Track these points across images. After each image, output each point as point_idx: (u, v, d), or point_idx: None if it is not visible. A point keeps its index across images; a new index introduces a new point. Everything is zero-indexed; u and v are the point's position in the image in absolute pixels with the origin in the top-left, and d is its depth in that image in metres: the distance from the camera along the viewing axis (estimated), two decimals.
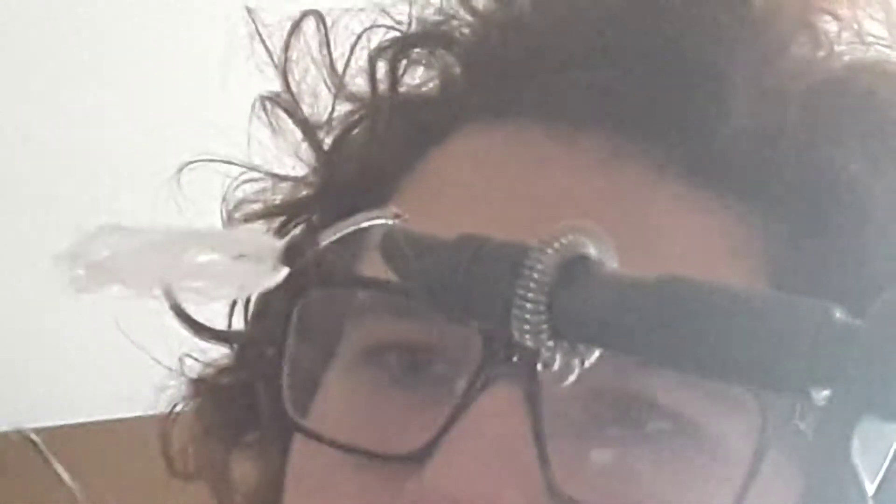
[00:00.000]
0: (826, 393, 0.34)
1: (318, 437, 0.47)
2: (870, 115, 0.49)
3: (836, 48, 0.51)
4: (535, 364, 0.42)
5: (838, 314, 0.34)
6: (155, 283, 0.37)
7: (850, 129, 0.49)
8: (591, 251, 0.37)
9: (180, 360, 0.59)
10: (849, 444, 0.33)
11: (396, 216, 0.39)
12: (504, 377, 0.43)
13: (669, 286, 0.35)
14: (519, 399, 0.43)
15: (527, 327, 0.36)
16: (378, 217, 0.39)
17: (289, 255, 0.38)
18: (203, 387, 0.58)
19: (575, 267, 0.36)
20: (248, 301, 0.57)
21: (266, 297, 0.55)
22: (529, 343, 0.36)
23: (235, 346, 0.57)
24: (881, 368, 0.33)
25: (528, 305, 0.36)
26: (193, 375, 0.58)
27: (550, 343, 0.37)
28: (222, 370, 0.58)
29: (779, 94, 0.48)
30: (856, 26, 0.52)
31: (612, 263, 0.37)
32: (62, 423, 2.19)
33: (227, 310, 0.58)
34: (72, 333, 2.00)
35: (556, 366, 0.37)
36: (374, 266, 0.47)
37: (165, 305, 0.43)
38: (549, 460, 0.43)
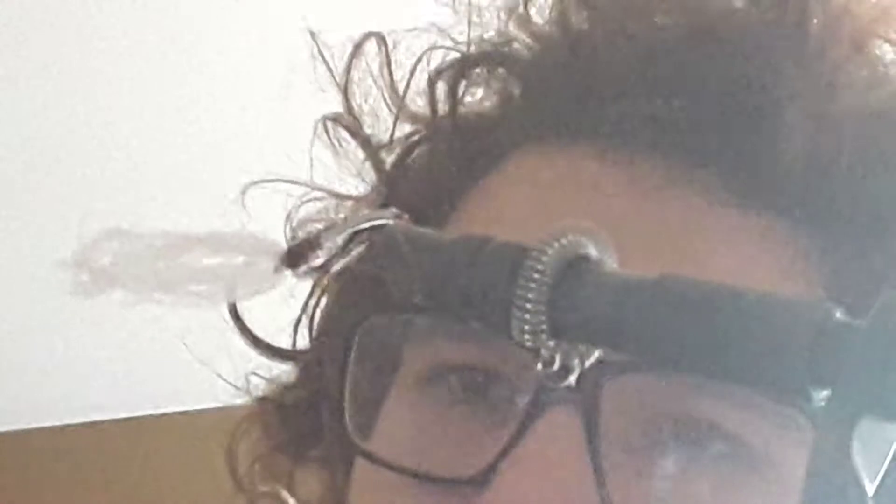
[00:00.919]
0: (826, 393, 0.34)
1: (381, 462, 0.48)
2: None
3: (893, 74, 0.51)
4: (593, 388, 0.43)
5: (838, 314, 0.34)
6: (156, 287, 0.37)
7: None
8: (591, 251, 0.37)
9: (246, 377, 0.60)
10: (849, 444, 0.33)
11: (397, 216, 0.39)
12: (561, 401, 0.44)
13: (669, 286, 0.35)
14: (576, 423, 0.43)
15: (527, 327, 0.36)
16: (379, 217, 0.39)
17: (290, 258, 0.38)
18: (268, 404, 0.59)
19: (575, 267, 0.36)
20: (312, 319, 0.58)
21: (330, 317, 0.56)
22: (529, 343, 0.36)
23: (300, 364, 0.58)
24: (881, 368, 0.33)
25: (528, 305, 0.36)
26: (259, 393, 0.59)
27: (550, 343, 0.36)
28: (287, 387, 0.58)
29: (833, 122, 0.49)
30: None
31: (612, 263, 0.37)
32: (63, 423, 2.19)
33: (290, 328, 0.59)
34: (72, 334, 2.00)
35: (556, 365, 0.37)
36: None
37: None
38: (606, 484, 0.43)
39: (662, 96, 0.48)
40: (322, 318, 0.57)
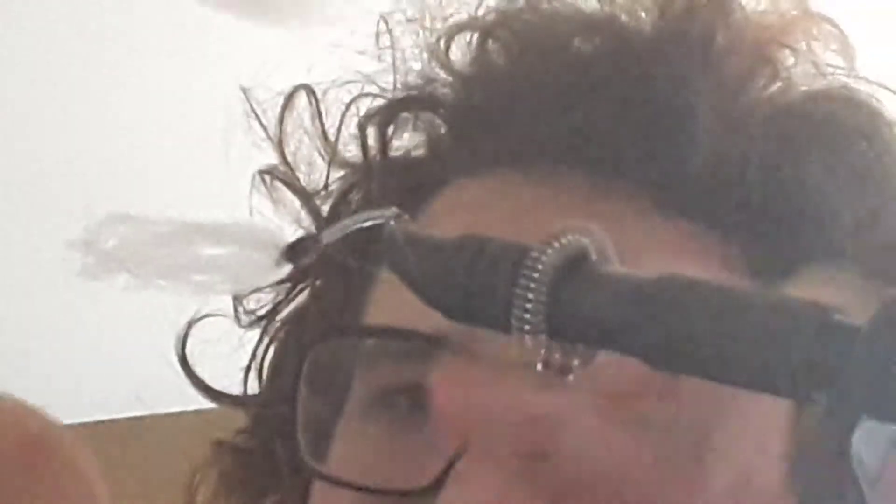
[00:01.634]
0: (826, 393, 0.34)
1: (332, 479, 0.49)
2: (829, 136, 0.52)
3: (795, 79, 0.53)
4: None
5: (838, 314, 0.34)
6: (160, 274, 0.37)
7: (811, 150, 0.51)
8: (591, 251, 0.37)
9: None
10: (848, 444, 0.33)
11: (398, 216, 0.39)
12: None
13: (668, 286, 0.35)
14: None
15: (527, 327, 0.36)
16: (379, 216, 0.39)
17: (291, 253, 0.38)
18: (223, 448, 0.59)
19: (575, 267, 0.36)
20: (262, 364, 0.59)
21: (279, 360, 0.57)
22: (529, 343, 0.36)
23: (252, 409, 0.59)
24: (881, 369, 0.33)
25: (528, 305, 0.36)
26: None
27: (550, 343, 0.37)
28: (241, 432, 0.59)
29: (741, 124, 0.51)
30: (813, 58, 0.54)
31: (612, 263, 0.37)
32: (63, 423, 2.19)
33: (241, 374, 0.60)
34: (75, 333, 2.00)
35: (556, 366, 0.37)
36: (378, 311, 0.51)
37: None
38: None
39: (577, 111, 0.50)
40: (270, 362, 0.58)
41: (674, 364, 0.35)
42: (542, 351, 0.37)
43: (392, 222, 0.39)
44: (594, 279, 0.36)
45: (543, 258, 0.36)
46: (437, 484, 0.45)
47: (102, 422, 2.17)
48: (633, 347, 0.36)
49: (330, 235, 0.39)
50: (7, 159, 1.78)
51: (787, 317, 0.34)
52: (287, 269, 0.38)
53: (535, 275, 0.36)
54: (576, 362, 0.37)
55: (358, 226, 0.39)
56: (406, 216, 0.39)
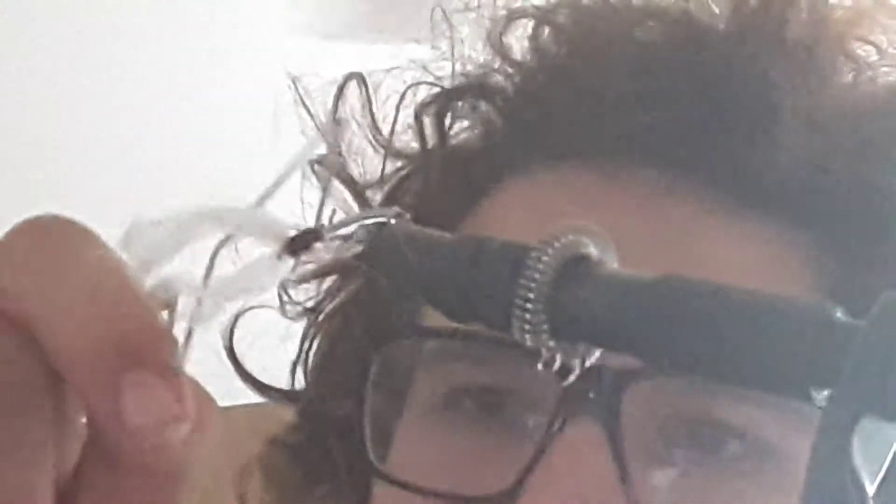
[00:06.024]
0: (826, 393, 0.34)
1: (403, 484, 0.48)
2: None
3: (876, 73, 0.52)
4: (615, 399, 0.42)
5: (838, 314, 0.34)
6: (162, 259, 0.36)
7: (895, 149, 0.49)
8: (591, 251, 0.37)
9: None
10: (849, 444, 0.33)
11: (398, 215, 0.39)
12: (583, 414, 0.44)
13: (669, 286, 0.35)
14: (599, 435, 0.44)
15: (527, 327, 0.36)
16: (381, 215, 0.39)
17: (292, 246, 0.37)
18: (273, 445, 0.59)
19: (575, 267, 0.36)
20: (307, 357, 0.58)
21: (326, 353, 0.56)
22: (529, 343, 0.36)
23: (302, 402, 0.58)
24: (881, 368, 0.32)
25: (529, 305, 0.36)
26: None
27: (551, 343, 0.36)
28: (290, 428, 0.58)
29: (824, 123, 0.49)
30: (893, 51, 0.52)
31: (613, 263, 0.37)
32: None
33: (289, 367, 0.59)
34: None
35: (556, 366, 0.37)
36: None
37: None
38: (636, 495, 0.43)
39: (648, 109, 0.48)
40: (320, 356, 0.57)
41: (674, 364, 0.35)
42: (543, 351, 0.37)
43: (393, 221, 0.39)
44: (595, 279, 0.36)
45: (544, 258, 0.36)
46: (515, 490, 0.44)
47: None
48: (634, 347, 0.36)
49: (332, 230, 0.39)
50: (52, 151, 1.77)
51: (788, 316, 0.34)
52: (290, 263, 0.38)
53: (536, 275, 0.36)
54: (576, 362, 0.37)
55: (360, 223, 0.39)
56: (407, 215, 0.39)
